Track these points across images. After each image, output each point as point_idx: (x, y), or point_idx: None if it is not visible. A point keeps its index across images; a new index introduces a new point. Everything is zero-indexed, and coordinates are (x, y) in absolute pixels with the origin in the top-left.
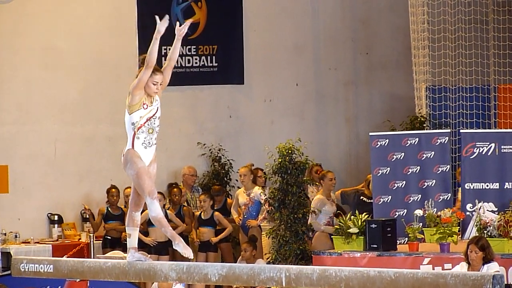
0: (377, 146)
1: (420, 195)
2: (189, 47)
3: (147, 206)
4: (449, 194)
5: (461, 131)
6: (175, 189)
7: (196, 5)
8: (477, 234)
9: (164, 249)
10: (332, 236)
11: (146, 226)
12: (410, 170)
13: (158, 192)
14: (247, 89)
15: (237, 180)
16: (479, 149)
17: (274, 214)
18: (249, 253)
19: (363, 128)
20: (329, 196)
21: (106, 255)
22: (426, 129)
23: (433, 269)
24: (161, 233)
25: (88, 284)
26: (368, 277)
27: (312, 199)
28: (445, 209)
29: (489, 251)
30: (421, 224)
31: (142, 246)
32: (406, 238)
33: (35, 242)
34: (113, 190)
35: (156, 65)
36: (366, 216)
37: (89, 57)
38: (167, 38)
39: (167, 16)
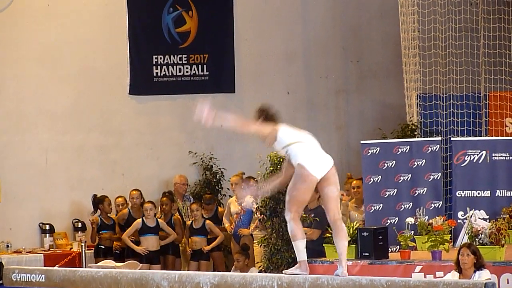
0: (368, 154)
1: (411, 203)
2: (180, 56)
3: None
4: (441, 202)
5: (452, 139)
6: (163, 198)
7: (187, 14)
8: (469, 242)
9: (155, 258)
10: (323, 244)
11: (138, 235)
12: (402, 178)
13: (149, 202)
14: (238, 98)
15: (228, 189)
16: (470, 157)
17: (266, 222)
18: (241, 263)
19: (354, 136)
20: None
21: (98, 264)
22: (417, 137)
23: (425, 277)
24: (153, 242)
25: None
26: (360, 286)
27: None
28: (436, 217)
29: (480, 256)
30: (412, 232)
31: (133, 255)
32: (398, 246)
33: (27, 252)
34: (106, 199)
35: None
36: (358, 224)
37: (80, 66)
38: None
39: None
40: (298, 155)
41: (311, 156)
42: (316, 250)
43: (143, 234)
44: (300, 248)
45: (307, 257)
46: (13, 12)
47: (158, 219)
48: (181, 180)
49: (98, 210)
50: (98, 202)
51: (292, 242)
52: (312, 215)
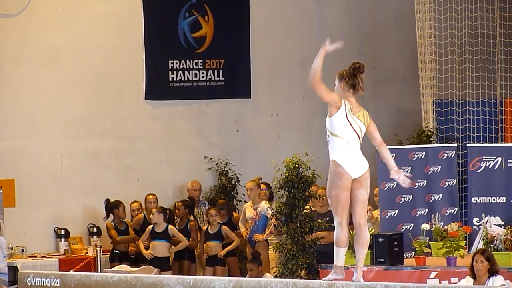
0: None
1: (427, 209)
2: (196, 61)
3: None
4: (456, 208)
5: (468, 145)
6: (178, 203)
7: (203, 19)
8: (483, 248)
9: (164, 264)
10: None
11: (150, 240)
12: (417, 184)
13: (136, 201)
14: (254, 103)
15: (244, 194)
16: (486, 163)
17: (281, 228)
18: (255, 271)
19: (370, 143)
20: None
21: (113, 269)
22: (433, 143)
23: (440, 283)
24: (160, 247)
25: None
26: None
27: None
28: (451, 223)
29: (495, 262)
30: (428, 238)
31: (147, 260)
32: (413, 252)
33: (42, 256)
34: (121, 204)
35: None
36: (373, 230)
37: (95, 71)
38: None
39: (341, 42)
40: (336, 151)
41: (348, 156)
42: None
43: (155, 239)
44: (340, 254)
45: (325, 263)
46: (29, 16)
47: (169, 225)
48: (194, 186)
49: (111, 215)
50: (113, 207)
51: (334, 247)
52: (327, 219)
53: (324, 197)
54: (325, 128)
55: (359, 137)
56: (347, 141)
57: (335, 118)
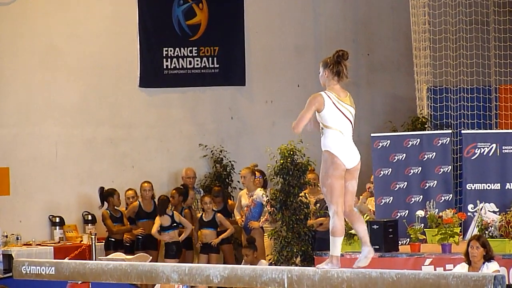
0: (378, 147)
1: (421, 196)
2: (190, 48)
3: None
4: (451, 195)
5: (462, 131)
6: (173, 191)
7: (197, 7)
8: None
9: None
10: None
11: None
12: (412, 171)
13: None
14: (249, 91)
15: (238, 182)
16: (480, 150)
17: (276, 215)
18: (250, 256)
19: (365, 129)
20: None
21: (108, 257)
22: (428, 130)
23: (435, 269)
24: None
25: (90, 286)
26: (370, 278)
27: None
28: (446, 210)
29: (490, 249)
30: (422, 225)
31: (143, 248)
32: (408, 239)
33: (37, 244)
34: (116, 192)
35: None
36: (368, 217)
37: (90, 59)
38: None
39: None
40: (329, 141)
41: (343, 146)
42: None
43: (164, 230)
44: (336, 244)
45: (319, 249)
46: (23, 5)
47: (174, 212)
48: (188, 173)
49: (105, 203)
50: (107, 195)
51: (331, 236)
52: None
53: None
54: None
55: (351, 122)
56: (339, 130)
57: (325, 113)
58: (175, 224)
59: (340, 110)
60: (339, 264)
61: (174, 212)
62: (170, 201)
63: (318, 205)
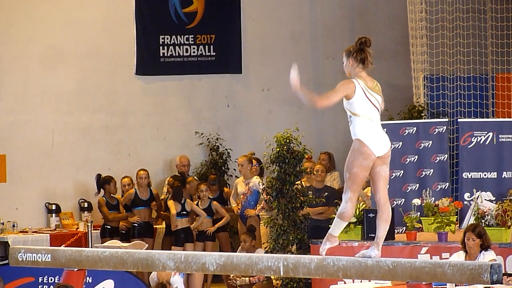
0: None
1: (418, 184)
2: (187, 36)
3: None
4: (447, 183)
5: (459, 120)
6: (169, 179)
7: None
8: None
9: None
10: (329, 226)
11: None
12: (408, 159)
13: (167, 185)
14: (245, 78)
15: (235, 169)
16: (477, 138)
17: (272, 203)
18: (248, 243)
19: None
20: None
21: (104, 244)
22: (424, 119)
23: (431, 258)
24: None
25: (86, 273)
26: (366, 267)
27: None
28: (443, 198)
29: (486, 238)
30: (419, 213)
31: (139, 235)
32: (404, 228)
33: (33, 232)
34: (113, 180)
35: None
36: (364, 205)
37: (86, 47)
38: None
39: (294, 65)
40: (361, 130)
41: (373, 134)
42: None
43: (179, 216)
44: (340, 226)
45: (316, 237)
46: None
47: (187, 200)
48: (182, 161)
49: (102, 190)
50: (104, 182)
51: (336, 219)
52: (325, 194)
53: (321, 173)
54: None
55: (378, 110)
56: (368, 118)
57: (354, 100)
58: (184, 212)
59: (368, 99)
60: (337, 241)
61: (187, 200)
62: (167, 189)
63: (326, 193)
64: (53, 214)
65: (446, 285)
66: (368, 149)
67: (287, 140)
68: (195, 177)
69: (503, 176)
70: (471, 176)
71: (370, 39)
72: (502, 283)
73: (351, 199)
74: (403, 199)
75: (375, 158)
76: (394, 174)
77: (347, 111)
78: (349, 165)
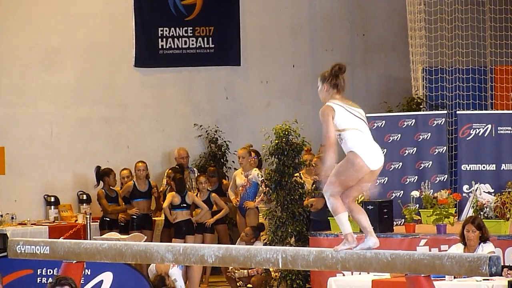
0: (373, 128)
1: (416, 177)
2: (186, 28)
3: None
4: (446, 176)
5: (457, 112)
6: (168, 171)
7: None
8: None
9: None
10: (328, 218)
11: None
12: (407, 152)
13: (166, 177)
14: (244, 71)
15: (234, 162)
16: (476, 131)
17: (271, 195)
18: (249, 237)
19: None
20: None
21: (103, 236)
22: (423, 111)
23: (430, 250)
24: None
25: (84, 265)
26: (365, 259)
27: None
28: (441, 191)
29: (485, 230)
30: (417, 205)
31: (138, 228)
32: (403, 220)
33: (32, 224)
34: (112, 172)
35: None
36: (363, 197)
37: (85, 39)
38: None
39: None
40: (353, 143)
41: (364, 145)
42: (322, 222)
43: (175, 208)
44: (343, 221)
45: (314, 230)
46: None
47: (188, 193)
48: (180, 153)
49: (101, 182)
50: (103, 174)
51: (334, 217)
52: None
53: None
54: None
55: (365, 122)
56: (357, 129)
57: (337, 118)
58: (184, 205)
59: (350, 112)
60: (355, 240)
61: (188, 192)
62: (167, 181)
63: (314, 186)
64: (52, 206)
65: (444, 277)
66: (361, 160)
67: (286, 132)
68: (195, 169)
69: (501, 168)
70: (470, 168)
71: (345, 65)
72: (501, 275)
73: (332, 195)
74: (402, 191)
75: (368, 171)
76: (392, 166)
77: (336, 132)
78: (338, 173)
